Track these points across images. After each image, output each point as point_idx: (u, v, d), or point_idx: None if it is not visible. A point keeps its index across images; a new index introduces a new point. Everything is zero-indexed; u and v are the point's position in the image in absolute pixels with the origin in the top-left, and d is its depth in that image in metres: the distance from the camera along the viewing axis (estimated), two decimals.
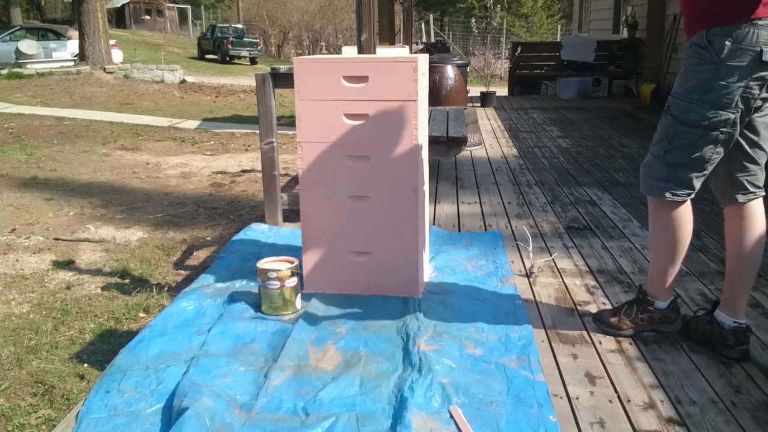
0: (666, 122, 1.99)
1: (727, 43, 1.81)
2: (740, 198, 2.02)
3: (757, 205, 2.04)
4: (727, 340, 2.04)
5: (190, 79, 16.07)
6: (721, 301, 2.11)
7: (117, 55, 16.41)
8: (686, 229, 2.04)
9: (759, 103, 1.87)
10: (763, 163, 2.02)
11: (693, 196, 2.01)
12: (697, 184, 1.99)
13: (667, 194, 1.99)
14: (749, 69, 1.81)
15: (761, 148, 1.98)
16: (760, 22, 1.78)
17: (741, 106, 1.86)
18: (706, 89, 1.88)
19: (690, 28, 1.94)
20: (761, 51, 1.78)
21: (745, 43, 1.79)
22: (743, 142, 1.96)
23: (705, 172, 1.97)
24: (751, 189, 2.01)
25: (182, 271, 3.83)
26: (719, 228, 3.44)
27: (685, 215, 2.03)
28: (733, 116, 1.87)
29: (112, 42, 15.84)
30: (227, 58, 24.58)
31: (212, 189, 5.95)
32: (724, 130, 1.89)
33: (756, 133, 1.96)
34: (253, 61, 25.14)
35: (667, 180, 1.99)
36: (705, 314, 2.15)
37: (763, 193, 2.04)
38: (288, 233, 3.30)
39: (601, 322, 2.25)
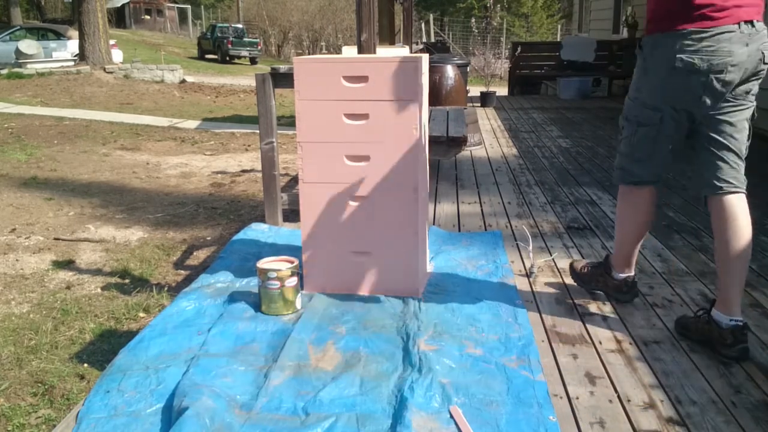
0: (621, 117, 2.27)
1: (651, 49, 2.08)
2: (706, 191, 2.15)
3: (737, 200, 2.12)
4: (726, 339, 2.07)
5: (190, 79, 16.08)
6: (716, 300, 2.16)
7: (117, 55, 16.42)
8: (640, 215, 2.29)
9: (698, 103, 2.02)
10: (734, 159, 2.11)
11: (643, 184, 2.24)
12: (641, 173, 2.22)
13: (622, 180, 2.29)
14: (667, 74, 2.02)
15: (726, 146, 2.08)
16: (683, 32, 1.97)
17: (667, 107, 2.07)
18: (637, 89, 2.17)
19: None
20: (675, 59, 1.98)
21: (665, 51, 2.01)
22: (704, 140, 2.10)
23: (646, 163, 2.20)
24: (719, 184, 2.11)
25: (182, 271, 3.83)
26: None
27: (639, 202, 2.27)
28: (656, 115, 2.10)
29: (112, 42, 15.85)
30: (227, 58, 24.58)
31: (212, 189, 5.95)
32: (651, 126, 2.12)
33: (717, 131, 2.07)
34: (253, 61, 25.14)
35: (621, 168, 2.28)
36: (704, 314, 2.17)
37: (737, 189, 2.11)
38: (288, 233, 3.30)
39: (573, 271, 2.58)
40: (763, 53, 1.98)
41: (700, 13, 1.94)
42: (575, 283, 2.60)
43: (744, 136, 2.09)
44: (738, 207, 2.12)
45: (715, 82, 1.97)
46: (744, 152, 2.13)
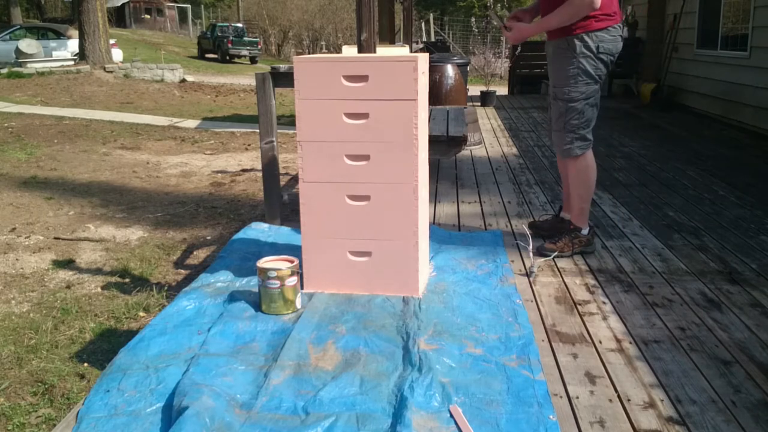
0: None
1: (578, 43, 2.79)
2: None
3: None
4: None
5: (190, 78, 16.08)
6: (563, 207, 3.17)
7: (117, 55, 16.41)
8: (594, 170, 2.97)
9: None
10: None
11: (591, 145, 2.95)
12: (591, 136, 2.95)
13: (586, 149, 2.93)
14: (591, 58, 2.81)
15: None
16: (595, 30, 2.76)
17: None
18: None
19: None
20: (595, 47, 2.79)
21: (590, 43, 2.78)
22: None
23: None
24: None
25: (182, 271, 3.83)
26: (719, 228, 3.45)
27: (592, 160, 2.97)
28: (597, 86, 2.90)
29: (112, 41, 15.84)
30: (227, 58, 24.57)
31: (212, 188, 5.95)
32: (595, 97, 2.90)
33: None
34: (253, 60, 25.13)
35: (581, 138, 2.90)
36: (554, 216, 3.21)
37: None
38: (288, 232, 3.30)
39: (544, 249, 2.95)
40: None
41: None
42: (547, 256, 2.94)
43: None
44: None
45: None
46: None
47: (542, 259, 2.92)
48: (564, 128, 2.90)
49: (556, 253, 3.00)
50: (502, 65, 14.91)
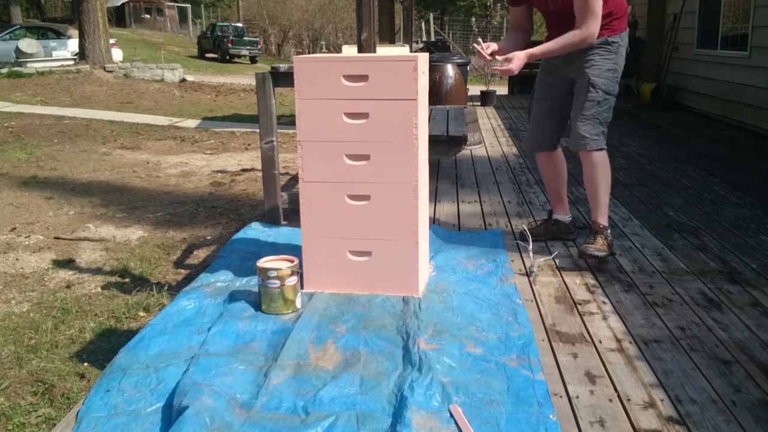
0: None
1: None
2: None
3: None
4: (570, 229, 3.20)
5: (190, 78, 16.07)
6: (554, 209, 3.23)
7: (117, 54, 16.41)
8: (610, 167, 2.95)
9: None
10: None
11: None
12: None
13: (603, 145, 2.87)
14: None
15: None
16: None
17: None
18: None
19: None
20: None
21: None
22: None
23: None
24: None
25: (182, 270, 3.83)
26: (719, 227, 3.45)
27: (607, 159, 2.92)
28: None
29: (112, 41, 15.84)
30: (227, 57, 24.56)
31: (212, 188, 5.95)
32: (614, 97, 2.88)
33: None
34: (253, 60, 25.12)
35: (601, 134, 2.86)
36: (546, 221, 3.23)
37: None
38: (288, 232, 3.30)
39: (583, 253, 2.84)
40: None
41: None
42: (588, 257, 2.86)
43: None
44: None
45: None
46: None
47: (542, 259, 2.92)
48: (596, 118, 2.83)
49: (555, 254, 2.99)
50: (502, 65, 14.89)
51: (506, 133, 6.91)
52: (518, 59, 2.79)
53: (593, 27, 2.70)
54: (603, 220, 2.91)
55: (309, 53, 24.37)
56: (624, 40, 2.84)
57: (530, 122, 3.19)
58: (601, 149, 2.86)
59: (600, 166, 2.87)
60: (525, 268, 2.84)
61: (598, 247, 2.83)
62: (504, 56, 2.81)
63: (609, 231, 2.92)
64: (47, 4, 33.63)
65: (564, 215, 3.22)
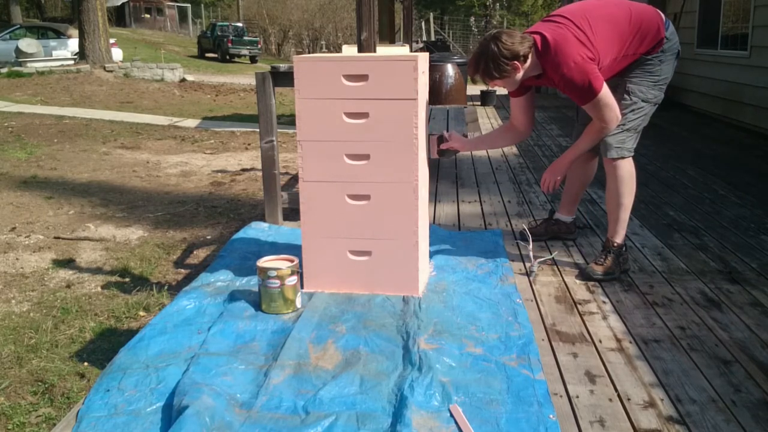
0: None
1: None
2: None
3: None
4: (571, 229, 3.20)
5: (190, 77, 16.07)
6: (562, 207, 3.19)
7: (117, 54, 16.41)
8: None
9: None
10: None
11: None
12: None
13: (631, 152, 2.69)
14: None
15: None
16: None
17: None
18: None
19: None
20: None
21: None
22: None
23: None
24: None
25: (182, 270, 3.83)
26: (719, 227, 3.45)
27: (634, 169, 2.74)
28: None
29: (112, 40, 15.84)
30: (227, 57, 24.55)
31: (212, 188, 5.94)
32: (653, 105, 2.70)
33: None
34: (253, 59, 25.12)
35: (626, 142, 2.67)
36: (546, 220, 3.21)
37: None
38: (288, 232, 3.30)
39: (591, 272, 2.70)
40: None
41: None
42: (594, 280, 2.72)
43: None
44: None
45: None
46: None
47: (542, 259, 2.92)
48: (622, 124, 2.63)
49: (555, 253, 2.99)
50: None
51: None
52: (557, 168, 2.76)
53: (609, 115, 2.57)
54: (618, 238, 2.74)
55: (309, 53, 24.40)
56: (666, 47, 2.60)
57: (577, 122, 3.03)
58: (624, 158, 2.67)
59: (623, 181, 2.68)
60: (525, 268, 2.83)
61: (605, 269, 2.69)
62: (550, 169, 2.79)
63: (624, 249, 2.77)
64: (47, 3, 33.62)
65: (567, 216, 3.20)
